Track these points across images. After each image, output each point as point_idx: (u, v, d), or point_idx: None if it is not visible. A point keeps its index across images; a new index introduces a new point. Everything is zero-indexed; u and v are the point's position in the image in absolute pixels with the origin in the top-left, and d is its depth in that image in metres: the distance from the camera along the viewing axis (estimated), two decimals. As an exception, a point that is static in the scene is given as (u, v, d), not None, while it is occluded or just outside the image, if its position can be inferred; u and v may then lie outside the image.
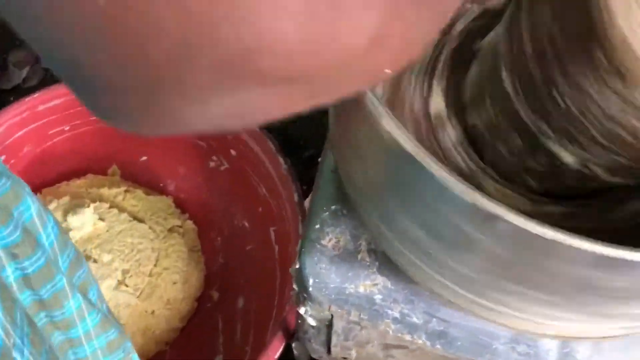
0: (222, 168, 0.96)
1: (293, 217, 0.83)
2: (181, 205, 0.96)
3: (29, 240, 0.43)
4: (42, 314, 0.46)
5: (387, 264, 0.51)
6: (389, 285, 0.51)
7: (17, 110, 0.88)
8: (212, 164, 0.96)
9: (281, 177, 0.85)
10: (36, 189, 0.93)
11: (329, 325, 0.58)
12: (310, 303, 0.54)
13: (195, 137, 0.95)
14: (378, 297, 0.51)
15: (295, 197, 0.83)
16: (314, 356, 0.69)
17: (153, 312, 0.86)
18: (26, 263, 0.43)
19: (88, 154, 0.96)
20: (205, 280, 0.93)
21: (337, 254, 0.52)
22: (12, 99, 0.99)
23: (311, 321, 0.59)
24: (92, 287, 0.51)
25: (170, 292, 0.87)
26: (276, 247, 0.90)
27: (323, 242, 0.52)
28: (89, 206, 0.86)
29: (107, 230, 0.87)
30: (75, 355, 0.49)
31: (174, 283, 0.88)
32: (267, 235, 0.91)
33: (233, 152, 0.93)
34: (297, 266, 0.52)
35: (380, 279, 0.51)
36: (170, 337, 0.89)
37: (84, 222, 0.85)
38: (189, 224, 0.94)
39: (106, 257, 0.84)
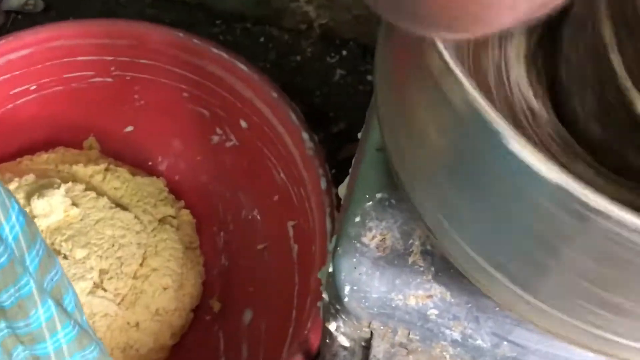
0: (229, 144, 0.96)
1: (318, 209, 0.83)
2: (176, 190, 0.97)
3: None
4: (2, 324, 0.47)
5: (447, 270, 0.51)
6: (448, 298, 0.51)
7: (-30, 63, 0.89)
8: (216, 139, 0.97)
9: (305, 158, 0.85)
10: (-7, 164, 0.94)
11: (367, 347, 0.58)
12: (344, 317, 0.54)
13: (195, 103, 0.95)
14: (433, 312, 0.51)
15: (322, 183, 0.83)
16: (343, 386, 0.69)
17: (137, 324, 0.87)
18: None
19: (59, 121, 0.97)
20: (204, 287, 0.93)
21: (382, 255, 0.52)
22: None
23: (343, 341, 0.59)
24: (67, 293, 0.52)
25: (159, 300, 0.88)
26: (295, 247, 0.90)
27: (364, 239, 0.52)
28: (59, 187, 0.87)
29: (82, 219, 0.87)
30: None
31: (165, 289, 0.88)
32: (284, 231, 0.91)
33: (244, 123, 0.93)
34: (330, 269, 0.52)
35: (437, 289, 0.51)
36: (158, 357, 0.89)
37: (53, 208, 0.86)
38: (185, 214, 0.95)
39: (80, 253, 0.85)
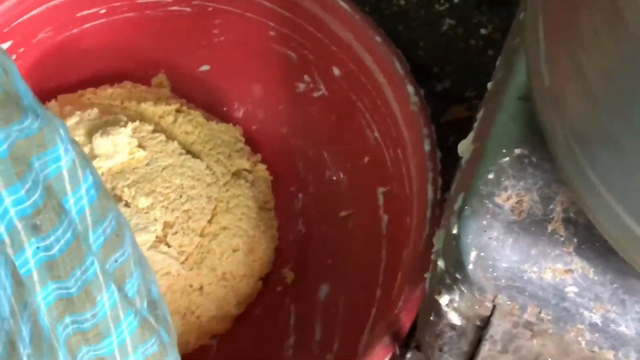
0: (317, 94, 0.97)
1: (419, 175, 0.83)
2: (252, 142, 0.98)
3: (51, 204, 0.43)
4: (68, 319, 0.47)
5: (592, 243, 0.51)
6: (591, 275, 0.51)
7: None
8: (302, 87, 0.97)
9: (407, 115, 0.86)
10: (50, 95, 0.96)
11: (482, 327, 0.58)
12: (462, 289, 0.55)
13: (283, 43, 0.96)
14: (572, 290, 0.51)
15: (426, 145, 0.83)
16: (440, 374, 0.70)
17: (201, 288, 0.88)
18: (51, 239, 0.43)
19: (127, 52, 0.99)
20: (276, 254, 0.95)
21: (518, 220, 0.52)
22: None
23: (454, 318, 0.59)
24: (130, 277, 0.52)
25: (227, 264, 0.89)
26: (385, 217, 0.90)
27: (498, 200, 0.52)
28: (125, 126, 0.89)
29: (148, 164, 0.89)
30: None
31: (234, 251, 0.90)
32: (373, 199, 0.92)
33: (337, 71, 0.93)
34: (455, 231, 0.53)
35: (578, 264, 0.51)
36: (220, 327, 0.91)
37: (117, 149, 0.88)
38: (262, 169, 0.96)
39: (143, 202, 0.87)
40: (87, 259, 0.46)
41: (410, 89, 0.85)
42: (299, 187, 0.97)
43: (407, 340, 0.77)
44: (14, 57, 0.95)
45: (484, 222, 0.52)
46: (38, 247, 0.42)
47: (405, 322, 0.77)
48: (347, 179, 0.95)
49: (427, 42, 1.04)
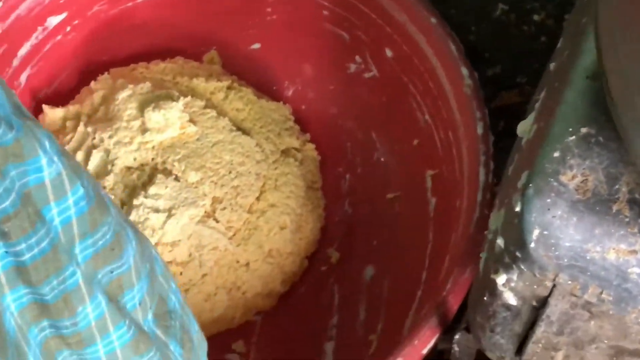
0: (368, 75, 0.97)
1: (471, 157, 0.83)
2: (301, 121, 0.98)
3: (26, 212, 0.43)
4: (45, 323, 0.47)
5: (657, 225, 0.51)
6: (657, 257, 0.51)
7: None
8: (353, 68, 0.97)
9: (461, 97, 0.85)
10: (102, 68, 0.97)
11: (539, 308, 0.58)
12: (522, 268, 0.55)
13: (335, 23, 0.96)
14: (635, 271, 0.51)
15: (479, 128, 0.83)
16: (490, 356, 0.70)
17: (248, 264, 0.89)
18: (22, 246, 0.44)
19: (180, 28, 0.99)
20: (322, 234, 0.95)
21: (582, 199, 0.52)
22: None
23: (510, 298, 0.59)
24: (131, 289, 0.51)
25: (274, 241, 0.90)
26: (433, 200, 0.90)
27: (562, 178, 0.52)
28: (177, 100, 0.89)
29: (199, 139, 0.89)
30: None
31: (282, 229, 0.90)
32: (422, 181, 0.92)
33: (389, 52, 0.93)
34: (518, 209, 0.53)
35: (643, 245, 0.51)
36: (266, 304, 0.91)
37: (168, 123, 0.88)
38: (310, 149, 0.96)
39: (193, 176, 0.87)
40: (66, 269, 0.46)
41: (464, 71, 0.85)
42: (346, 167, 0.97)
43: (453, 324, 0.77)
44: (68, 29, 0.96)
45: (548, 200, 0.52)
46: (6, 252, 0.43)
47: (453, 304, 0.77)
48: (396, 161, 0.95)
49: (478, 27, 1.03)
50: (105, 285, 0.49)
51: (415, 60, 0.90)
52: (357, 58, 0.97)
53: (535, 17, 1.03)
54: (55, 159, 0.45)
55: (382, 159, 0.96)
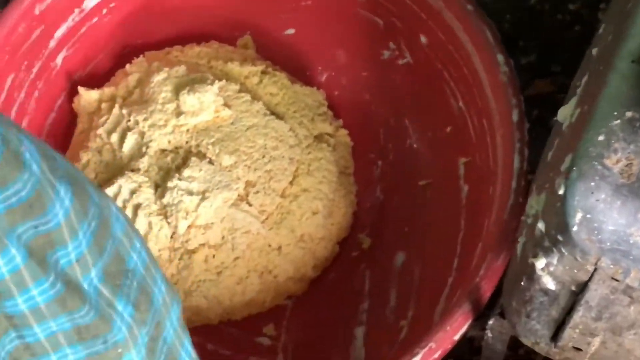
0: (402, 62, 0.97)
1: (506, 145, 0.83)
2: (334, 107, 0.98)
3: None
4: None
5: (702, 210, 0.51)
6: (701, 241, 0.51)
7: None
8: (387, 54, 0.97)
9: (496, 84, 0.85)
10: (138, 51, 0.98)
11: (578, 293, 0.58)
12: (563, 252, 0.55)
13: (370, 9, 0.95)
14: (679, 256, 0.51)
15: (514, 115, 0.83)
16: (524, 341, 0.69)
17: (280, 248, 0.89)
18: None
19: (213, 12, 1.00)
20: (354, 219, 0.95)
21: (626, 183, 0.52)
22: None
23: (548, 282, 0.59)
24: (64, 246, 0.50)
25: (306, 225, 0.90)
26: (465, 188, 0.90)
27: (607, 162, 0.52)
28: (212, 84, 0.89)
29: (233, 123, 0.90)
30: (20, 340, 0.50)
31: (314, 213, 0.90)
32: (454, 169, 0.92)
33: (424, 39, 0.93)
34: (561, 192, 0.53)
35: (687, 230, 0.51)
36: (297, 288, 0.92)
37: (203, 106, 0.89)
38: (343, 134, 0.96)
39: (227, 160, 0.88)
40: None
41: (500, 58, 0.85)
42: (378, 154, 0.97)
43: (487, 311, 0.77)
44: (104, 11, 0.96)
45: (592, 183, 0.52)
46: None
47: (486, 290, 0.77)
48: (428, 148, 0.95)
49: (513, 15, 1.03)
50: (27, 240, 0.48)
51: (451, 47, 0.90)
52: (391, 44, 0.97)
53: (571, 6, 1.03)
54: None
55: (415, 146, 0.96)
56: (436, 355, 0.76)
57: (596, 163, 0.52)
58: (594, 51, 0.62)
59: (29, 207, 0.48)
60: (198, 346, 0.84)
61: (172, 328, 0.59)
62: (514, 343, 0.80)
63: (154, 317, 0.57)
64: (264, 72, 0.95)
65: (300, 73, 1.00)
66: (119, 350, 0.53)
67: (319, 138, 0.94)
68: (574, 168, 0.53)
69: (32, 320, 0.49)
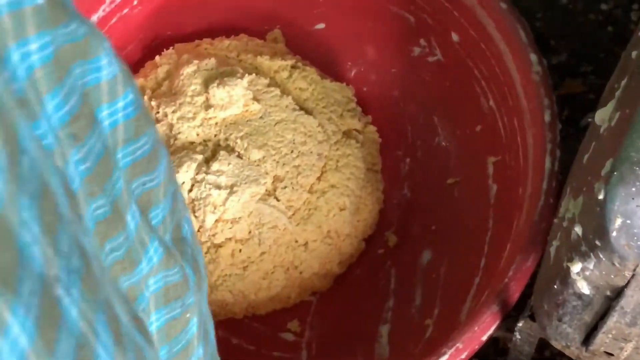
0: (432, 59, 0.96)
1: (537, 145, 0.83)
2: (363, 103, 0.98)
3: (85, 112, 0.41)
4: (107, 247, 0.44)
5: None
6: None
7: None
8: (417, 51, 0.97)
9: (528, 84, 0.85)
10: (167, 43, 0.98)
11: (613, 298, 0.58)
12: (601, 256, 0.54)
13: (401, 5, 0.95)
14: None
15: (547, 116, 0.83)
16: (554, 344, 0.69)
17: (306, 244, 0.89)
18: (86, 148, 0.41)
19: (244, 6, 1.00)
20: (380, 217, 0.95)
21: (668, 188, 0.51)
22: None
23: (583, 287, 0.59)
24: (157, 206, 0.49)
25: (333, 222, 0.90)
26: (494, 187, 0.90)
27: (649, 167, 0.52)
28: (242, 77, 0.89)
29: (262, 117, 0.90)
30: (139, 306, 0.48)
31: (341, 210, 0.90)
32: (483, 168, 0.91)
33: (455, 36, 0.93)
34: (601, 197, 0.52)
35: None
36: (322, 284, 0.92)
37: (232, 100, 0.89)
38: (371, 131, 0.96)
39: (255, 154, 0.88)
40: (114, 173, 0.43)
41: (533, 57, 0.84)
42: (406, 151, 0.97)
43: (515, 312, 0.77)
44: (135, 2, 0.96)
45: (633, 189, 0.52)
46: (77, 160, 0.40)
47: (515, 291, 0.77)
48: (457, 146, 0.95)
49: (545, 14, 1.02)
50: (137, 197, 0.47)
51: (483, 45, 0.90)
52: (422, 41, 0.97)
53: (603, 7, 1.02)
54: (114, 60, 0.43)
55: (443, 144, 0.96)
56: (463, 356, 0.76)
57: (637, 168, 0.52)
58: (634, 54, 0.62)
59: (147, 162, 0.47)
60: (222, 340, 0.84)
61: (205, 302, 0.57)
62: (540, 345, 0.80)
63: (205, 285, 0.56)
64: (293, 67, 0.95)
65: (329, 68, 0.99)
66: (187, 315, 0.51)
67: (347, 134, 0.94)
68: (615, 173, 0.52)
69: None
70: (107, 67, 0.42)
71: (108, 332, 0.33)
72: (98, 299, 0.34)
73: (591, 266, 0.56)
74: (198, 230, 0.86)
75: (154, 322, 0.49)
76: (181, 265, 0.50)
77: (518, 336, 0.75)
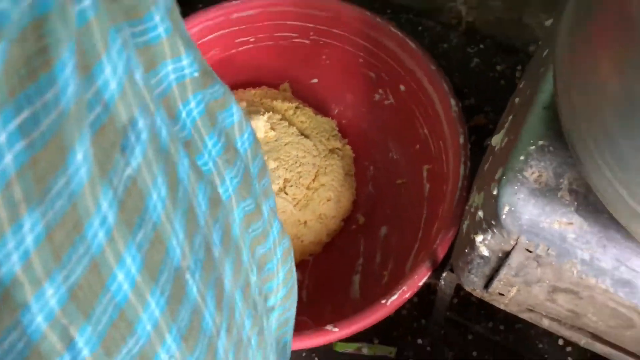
0: (387, 102, 0.96)
1: (455, 158, 0.83)
2: (342, 130, 0.98)
3: (230, 145, 0.40)
4: (251, 230, 0.42)
5: (587, 206, 0.51)
6: (585, 227, 0.50)
7: (215, 14, 0.91)
8: (377, 97, 0.97)
9: (449, 119, 0.85)
10: (214, 92, 0.97)
11: (503, 258, 0.58)
12: (494, 231, 0.54)
13: (367, 67, 0.95)
14: (571, 236, 0.51)
15: (461, 139, 0.83)
16: (466, 288, 0.69)
17: (305, 222, 0.89)
18: (235, 169, 0.39)
19: (265, 67, 0.99)
20: (354, 204, 0.95)
21: (538, 187, 0.52)
22: (200, 5, 1.03)
23: (484, 251, 0.59)
24: (269, 197, 0.46)
25: (322, 208, 0.90)
26: (427, 186, 0.90)
27: (525, 174, 0.52)
28: (263, 114, 0.90)
29: (276, 140, 0.90)
30: (267, 270, 0.45)
31: (328, 200, 0.90)
32: (419, 173, 0.91)
33: (402, 87, 0.93)
34: (494, 192, 0.52)
35: (576, 219, 0.51)
36: (315, 249, 0.92)
37: (257, 129, 0.89)
38: (348, 149, 0.96)
39: (272, 164, 0.88)
40: (253, 182, 0.42)
41: (452, 101, 0.85)
42: (370, 162, 0.97)
43: (441, 267, 0.77)
44: (193, 65, 0.96)
45: (515, 187, 0.52)
46: (231, 177, 0.39)
47: (440, 253, 0.77)
48: (403, 159, 0.95)
49: (460, 73, 1.03)
50: (264, 190, 0.44)
51: (420, 93, 0.90)
52: (380, 91, 0.97)
53: (498, 67, 1.03)
54: (238, 108, 0.40)
55: (395, 157, 0.96)
56: (407, 295, 0.76)
57: (518, 174, 0.52)
58: (517, 100, 0.62)
59: (264, 169, 0.44)
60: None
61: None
62: (457, 288, 0.80)
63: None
64: (297, 107, 0.95)
65: (320, 108, 0.99)
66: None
67: (332, 151, 0.94)
68: (504, 177, 0.52)
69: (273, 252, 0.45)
70: (236, 112, 0.41)
71: (214, 302, 0.32)
72: (210, 279, 0.33)
73: (489, 237, 0.56)
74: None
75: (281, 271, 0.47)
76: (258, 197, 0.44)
77: (442, 282, 0.74)
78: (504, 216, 0.52)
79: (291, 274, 0.50)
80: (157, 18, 0.30)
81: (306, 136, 0.92)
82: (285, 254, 0.48)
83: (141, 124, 0.26)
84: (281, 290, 0.49)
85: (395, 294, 0.75)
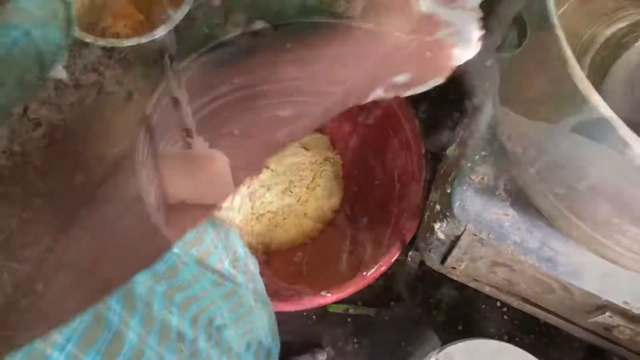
0: (367, 122, 0.96)
1: (418, 164, 0.82)
2: (333, 143, 0.97)
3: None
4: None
5: (518, 202, 0.51)
6: (517, 217, 0.51)
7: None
8: (360, 118, 0.97)
9: (414, 136, 0.84)
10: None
11: (455, 240, 0.58)
12: (448, 220, 0.55)
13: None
14: (506, 224, 0.51)
15: (423, 150, 0.82)
16: (427, 264, 0.70)
17: (306, 214, 0.89)
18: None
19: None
20: (342, 200, 0.94)
21: (481, 187, 0.52)
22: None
23: (440, 235, 0.59)
24: (213, 256, 0.43)
25: (319, 203, 0.90)
26: (397, 185, 0.89)
27: (472, 177, 0.52)
28: (273, 132, 0.89)
29: (284, 152, 0.90)
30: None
31: (323, 197, 0.90)
32: (392, 176, 0.90)
33: (378, 111, 0.92)
34: (448, 191, 0.53)
35: (511, 212, 0.51)
36: (313, 234, 0.91)
37: (269, 143, 0.89)
38: (337, 157, 0.96)
39: (280, 169, 0.88)
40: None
41: (416, 121, 0.84)
42: (354, 167, 0.96)
43: (408, 247, 0.77)
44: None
45: (464, 187, 0.52)
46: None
47: (408, 237, 0.76)
48: (380, 165, 0.94)
49: (424, 110, 1.01)
50: (195, 256, 0.42)
51: (392, 117, 0.88)
52: (363, 114, 0.94)
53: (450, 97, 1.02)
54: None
55: (372, 163, 0.95)
56: (382, 269, 0.75)
57: (467, 177, 0.52)
58: (466, 122, 0.62)
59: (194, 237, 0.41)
60: (263, 262, 0.84)
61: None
62: (420, 263, 0.80)
63: (254, 282, 0.48)
64: (300, 128, 0.94)
65: (317, 127, 0.98)
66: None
67: (326, 159, 0.93)
68: (455, 179, 0.53)
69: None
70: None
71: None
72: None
73: (444, 225, 0.56)
74: (252, 208, 0.86)
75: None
76: (232, 280, 0.44)
77: (409, 259, 0.75)
78: (455, 209, 0.53)
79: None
80: None
81: (306, 148, 0.92)
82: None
83: None
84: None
85: (373, 267, 0.75)
